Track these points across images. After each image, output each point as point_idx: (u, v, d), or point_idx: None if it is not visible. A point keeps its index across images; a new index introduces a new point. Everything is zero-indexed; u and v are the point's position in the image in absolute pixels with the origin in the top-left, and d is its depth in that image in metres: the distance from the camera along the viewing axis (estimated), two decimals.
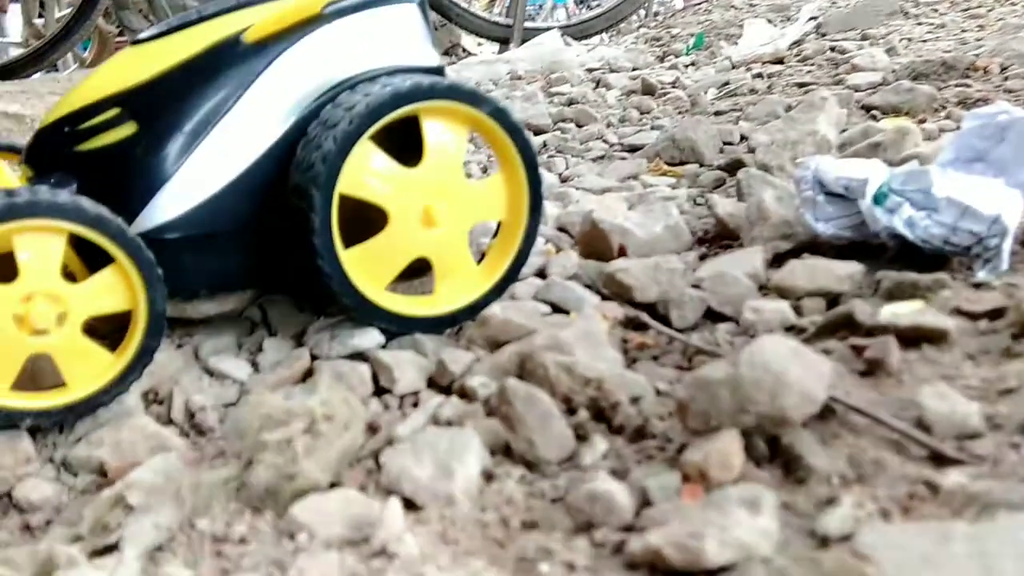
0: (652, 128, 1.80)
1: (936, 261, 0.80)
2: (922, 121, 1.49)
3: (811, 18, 2.91)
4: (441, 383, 0.70)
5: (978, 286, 0.73)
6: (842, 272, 0.78)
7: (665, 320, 0.82)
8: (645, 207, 1.15)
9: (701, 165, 1.45)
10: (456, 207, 0.78)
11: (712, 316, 0.82)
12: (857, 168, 0.90)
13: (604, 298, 0.88)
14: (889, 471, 0.50)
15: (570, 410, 0.62)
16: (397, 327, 0.78)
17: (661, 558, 0.45)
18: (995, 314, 0.66)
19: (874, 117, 1.56)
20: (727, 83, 2.28)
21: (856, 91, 1.80)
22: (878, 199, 0.84)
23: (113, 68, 0.79)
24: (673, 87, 2.59)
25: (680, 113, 2.05)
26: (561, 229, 1.12)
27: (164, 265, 0.74)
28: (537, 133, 2.02)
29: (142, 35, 0.81)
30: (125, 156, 0.74)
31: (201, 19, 0.79)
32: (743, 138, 1.62)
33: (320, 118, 0.75)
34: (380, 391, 0.71)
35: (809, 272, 0.79)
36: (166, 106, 0.74)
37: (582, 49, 3.31)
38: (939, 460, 0.51)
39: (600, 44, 3.54)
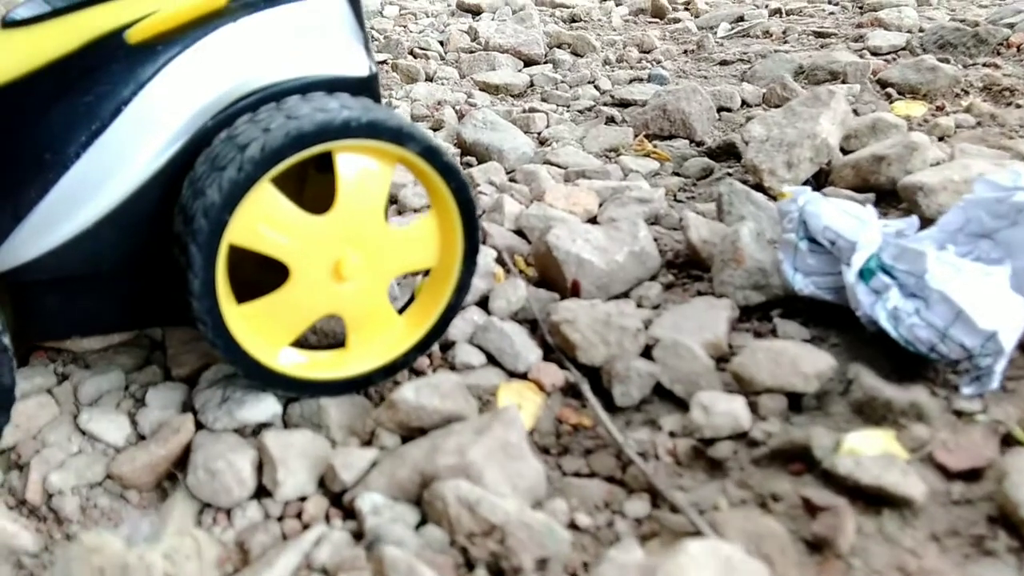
0: (649, 78, 1.64)
1: (918, 358, 0.70)
2: (940, 108, 1.36)
3: None
4: (332, 489, 0.62)
5: (959, 414, 0.64)
6: (809, 369, 0.68)
7: (608, 393, 0.73)
8: (615, 209, 1.04)
9: (692, 142, 1.32)
10: (374, 258, 0.67)
11: (660, 392, 0.73)
12: (848, 219, 0.79)
13: (546, 353, 0.78)
14: None
15: (468, 562, 0.54)
16: (299, 393, 0.69)
17: None
18: (972, 475, 0.57)
19: (888, 96, 1.42)
20: (742, 18, 2.10)
21: (875, 55, 1.64)
22: (864, 274, 0.74)
23: None
24: (686, 8, 2.41)
25: (684, 53, 1.89)
26: (519, 232, 1.01)
27: (27, 310, 0.64)
28: (528, 64, 1.86)
29: (16, 13, 0.67)
30: None
31: (88, 2, 0.65)
32: (744, 103, 1.48)
33: (210, 151, 0.63)
34: (262, 491, 0.62)
35: (772, 363, 0.69)
36: (28, 119, 0.62)
37: None
38: None
39: None
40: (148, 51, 0.63)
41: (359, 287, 0.67)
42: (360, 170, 0.65)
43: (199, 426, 0.67)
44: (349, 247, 0.66)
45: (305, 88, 0.67)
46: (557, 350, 0.78)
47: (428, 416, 0.66)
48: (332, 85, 0.68)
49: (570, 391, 0.75)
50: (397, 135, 0.65)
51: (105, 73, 0.62)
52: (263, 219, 0.62)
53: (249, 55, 0.66)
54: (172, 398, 0.71)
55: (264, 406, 0.67)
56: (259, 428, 0.67)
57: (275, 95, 0.65)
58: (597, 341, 0.76)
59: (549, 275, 0.90)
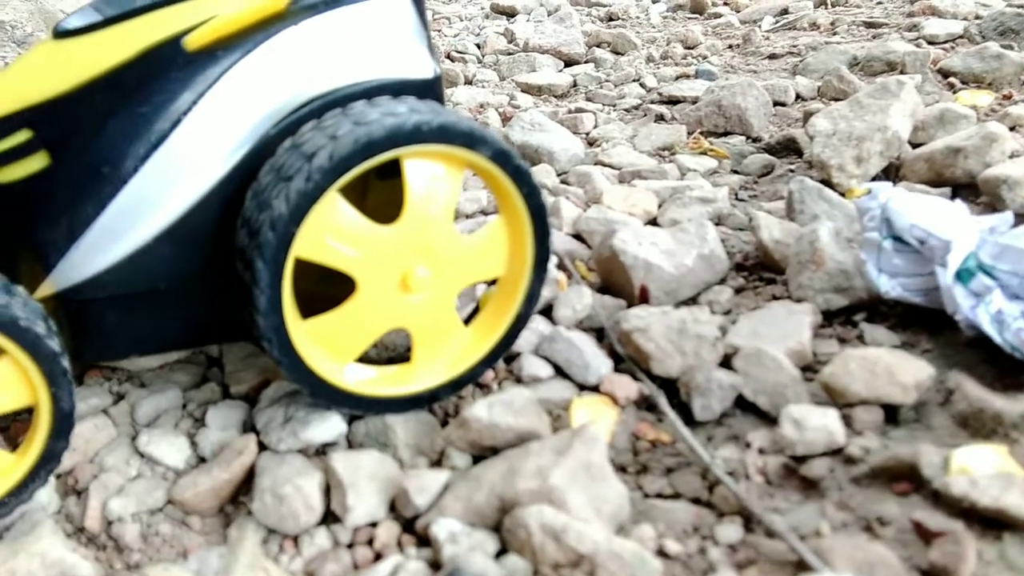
0: (696, 74, 1.60)
1: (1021, 365, 0.65)
2: (1007, 97, 1.30)
3: None
4: (404, 514, 0.58)
5: None
6: (907, 379, 0.64)
7: (686, 406, 0.69)
8: (677, 210, 1.00)
9: (748, 138, 1.28)
10: (443, 269, 0.64)
11: (742, 404, 0.69)
12: (938, 217, 0.74)
13: (617, 364, 0.74)
14: None
15: None
16: (365, 411, 0.65)
17: None
18: None
19: (951, 86, 1.36)
20: (786, 11, 2.05)
21: (932, 44, 1.58)
22: (962, 275, 0.69)
23: (25, 70, 0.62)
24: (726, 3, 2.36)
25: (730, 48, 1.84)
26: (577, 237, 0.98)
27: (85, 329, 0.62)
28: (568, 64, 1.82)
29: (68, 23, 0.64)
30: (35, 197, 0.60)
31: (142, 9, 0.62)
32: (798, 97, 1.43)
33: (274, 161, 0.59)
34: (330, 515, 0.59)
35: (867, 375, 0.65)
36: (85, 132, 0.59)
37: None
38: None
39: None
40: (207, 58, 0.60)
41: (427, 299, 0.64)
42: (429, 177, 0.62)
43: (262, 447, 0.64)
44: (417, 258, 0.62)
45: (370, 92, 0.64)
46: (629, 360, 0.74)
47: (501, 434, 0.62)
48: (397, 88, 0.65)
49: (644, 404, 0.71)
50: (469, 139, 0.61)
51: (163, 82, 0.60)
52: (331, 231, 0.59)
53: (311, 59, 0.63)
54: (232, 417, 0.68)
55: (329, 425, 0.64)
56: (323, 448, 0.64)
57: (339, 100, 0.62)
58: (672, 351, 0.72)
59: (613, 280, 0.86)
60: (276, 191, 0.57)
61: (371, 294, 0.62)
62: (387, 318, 0.64)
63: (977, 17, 1.68)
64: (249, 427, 0.67)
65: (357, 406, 0.64)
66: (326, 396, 0.63)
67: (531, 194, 0.65)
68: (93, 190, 0.59)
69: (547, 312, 0.82)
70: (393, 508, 0.59)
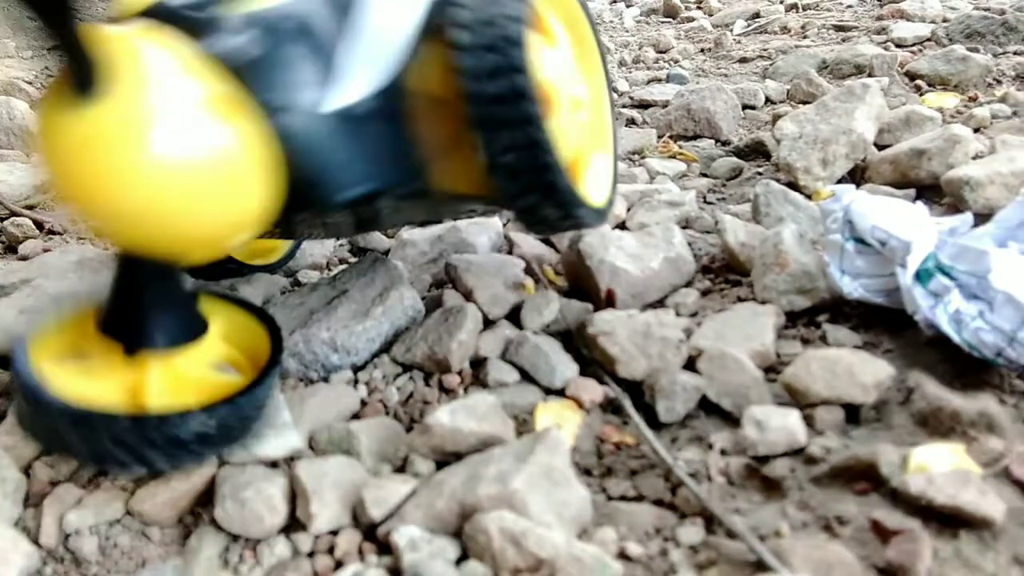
0: (668, 78, 1.60)
1: (979, 363, 0.66)
2: (973, 99, 1.32)
3: None
4: (365, 521, 0.58)
5: None
6: (867, 379, 0.64)
7: (651, 408, 0.69)
8: (645, 214, 1.01)
9: (717, 141, 1.28)
10: (589, 86, 0.74)
11: (705, 406, 0.69)
12: (898, 218, 0.75)
13: (583, 367, 0.74)
14: None
15: None
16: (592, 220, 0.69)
17: None
18: None
19: (918, 88, 1.38)
20: (758, 15, 2.06)
21: (900, 46, 1.60)
22: (921, 276, 0.69)
23: None
24: (699, 7, 2.37)
25: (702, 52, 1.85)
26: (546, 241, 0.98)
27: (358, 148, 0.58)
28: None
29: None
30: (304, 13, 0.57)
31: None
32: (768, 100, 1.45)
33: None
34: (293, 522, 0.59)
35: (827, 375, 0.65)
36: None
37: None
38: None
39: None
40: None
41: (588, 118, 0.71)
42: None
43: (221, 460, 0.63)
44: (577, 76, 0.70)
45: None
46: (595, 364, 0.74)
47: (464, 439, 0.62)
48: None
49: (610, 407, 0.71)
50: None
51: None
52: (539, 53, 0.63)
53: None
54: None
55: (283, 441, 0.63)
56: (278, 461, 0.64)
57: None
58: (637, 354, 0.72)
59: (581, 284, 0.86)
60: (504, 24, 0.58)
61: (561, 114, 0.64)
62: (571, 139, 0.67)
63: (944, 20, 1.70)
64: None
65: (586, 216, 0.67)
66: (570, 200, 0.63)
67: (590, 14, 0.75)
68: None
69: (512, 317, 0.82)
70: (356, 515, 0.59)
